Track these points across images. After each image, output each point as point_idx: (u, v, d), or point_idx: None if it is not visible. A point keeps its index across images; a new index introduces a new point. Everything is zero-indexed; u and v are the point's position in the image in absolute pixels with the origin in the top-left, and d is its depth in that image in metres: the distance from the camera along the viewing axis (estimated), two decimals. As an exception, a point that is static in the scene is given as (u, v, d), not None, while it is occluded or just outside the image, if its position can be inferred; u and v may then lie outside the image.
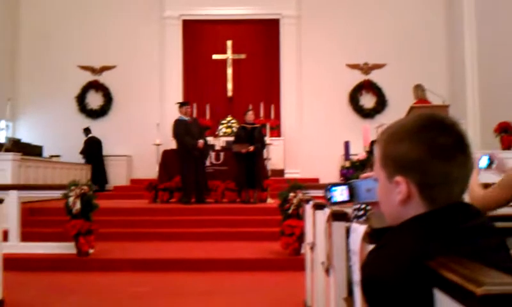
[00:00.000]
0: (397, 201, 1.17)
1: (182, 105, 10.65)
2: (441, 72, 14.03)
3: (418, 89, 8.84)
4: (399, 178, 1.16)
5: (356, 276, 1.85)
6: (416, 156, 1.13)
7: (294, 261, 6.71)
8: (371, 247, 1.43)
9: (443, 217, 1.12)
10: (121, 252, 7.40)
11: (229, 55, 14.72)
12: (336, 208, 2.84)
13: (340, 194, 1.42)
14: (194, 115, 12.82)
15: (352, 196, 1.42)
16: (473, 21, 13.06)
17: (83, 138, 14.19)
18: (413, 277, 1.04)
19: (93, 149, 14.12)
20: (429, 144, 1.13)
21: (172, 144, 12.45)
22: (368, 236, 1.74)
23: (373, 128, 10.26)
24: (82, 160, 14.17)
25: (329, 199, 1.43)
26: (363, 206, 2.53)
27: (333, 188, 1.43)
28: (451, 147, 1.13)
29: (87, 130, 14.23)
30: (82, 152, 14.05)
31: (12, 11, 14.64)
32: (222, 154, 11.14)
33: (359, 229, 1.84)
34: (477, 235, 1.10)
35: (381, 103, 14.53)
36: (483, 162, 3.00)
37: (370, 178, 1.38)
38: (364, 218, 2.48)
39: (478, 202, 2.64)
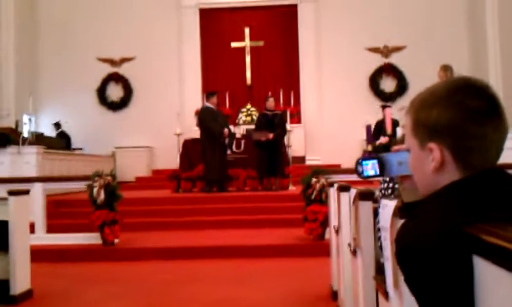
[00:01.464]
0: (430, 169, 1.14)
1: (210, 94, 10.70)
2: (462, 53, 13.78)
3: (447, 70, 8.56)
4: (432, 145, 1.13)
5: (387, 252, 1.82)
6: (450, 120, 1.10)
7: (318, 247, 6.69)
8: (402, 222, 1.40)
9: (479, 183, 1.09)
10: (146, 242, 7.46)
11: (247, 42, 14.67)
12: (362, 187, 2.81)
13: (371, 168, 1.39)
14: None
15: (383, 169, 1.39)
16: (495, 0, 12.80)
17: (54, 132, 14.17)
18: (450, 244, 1.01)
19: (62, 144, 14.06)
20: (462, 108, 1.10)
21: (193, 134, 12.50)
22: (399, 211, 1.71)
23: (395, 111, 10.16)
24: (105, 152, 14.30)
25: (361, 173, 1.40)
26: (390, 184, 2.49)
27: (365, 162, 1.40)
28: (485, 110, 1.10)
29: (57, 125, 14.21)
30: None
31: (31, 5, 14.77)
32: (242, 142, 11.12)
33: (389, 205, 1.81)
34: None
35: (402, 87, 14.36)
36: None
37: (402, 151, 1.35)
38: (393, 196, 2.44)
39: None
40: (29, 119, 13.13)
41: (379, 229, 2.36)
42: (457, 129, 1.10)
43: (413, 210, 1.21)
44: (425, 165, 1.16)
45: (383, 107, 11.28)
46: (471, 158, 1.11)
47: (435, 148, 1.12)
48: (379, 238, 2.37)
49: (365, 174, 1.41)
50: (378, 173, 1.40)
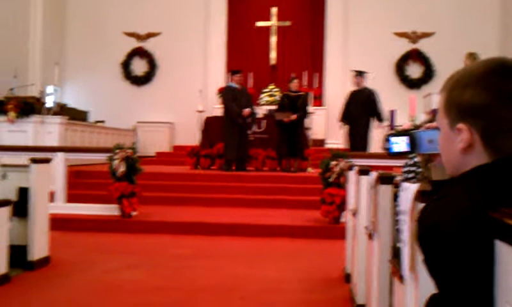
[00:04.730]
0: (458, 149, 1.12)
1: (234, 73, 10.65)
2: (493, 42, 13.46)
3: (472, 57, 8.41)
4: (461, 125, 1.10)
5: (404, 236, 1.79)
6: (481, 102, 1.07)
7: (333, 230, 6.69)
8: (422, 205, 1.38)
9: (507, 168, 1.05)
10: (164, 216, 7.51)
11: (274, 22, 14.52)
12: (392, 160, 2.77)
13: (400, 144, 1.37)
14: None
15: (414, 146, 1.37)
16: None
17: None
18: (474, 227, 0.99)
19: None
20: (495, 90, 1.07)
21: (214, 111, 12.52)
22: (420, 195, 1.68)
23: (420, 99, 10.01)
24: (127, 126, 14.39)
25: (388, 149, 1.38)
26: (413, 168, 2.45)
27: (393, 138, 1.37)
28: None
29: None
30: None
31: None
32: (264, 122, 11.08)
33: (410, 189, 1.78)
34: None
35: (429, 74, 14.13)
36: None
37: (433, 129, 1.32)
38: (415, 180, 2.41)
39: None
40: (54, 90, 13.24)
41: (397, 213, 2.33)
42: (489, 112, 1.07)
43: (441, 188, 1.18)
44: (453, 145, 1.13)
45: (358, 73, 10.54)
46: (500, 142, 1.08)
47: (464, 128, 1.10)
48: (397, 221, 2.33)
49: (393, 150, 1.39)
50: (409, 149, 1.38)
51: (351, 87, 14.15)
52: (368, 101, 10.01)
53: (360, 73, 10.42)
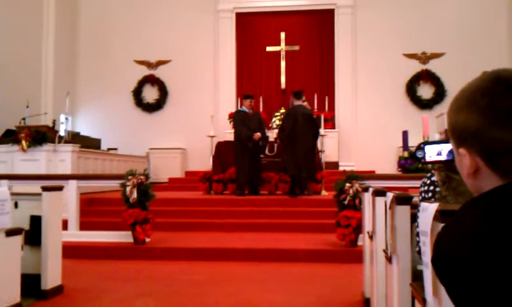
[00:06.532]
0: (466, 174, 1.06)
1: (245, 97, 10.71)
2: (502, 61, 13.42)
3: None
4: (462, 150, 1.05)
5: (426, 258, 1.73)
6: (475, 125, 1.01)
7: (350, 253, 6.59)
8: (442, 225, 1.32)
9: None
10: (177, 242, 7.45)
11: (282, 47, 14.62)
12: (399, 193, 2.70)
13: (437, 152, 1.32)
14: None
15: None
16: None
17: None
18: (495, 249, 0.91)
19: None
20: (487, 110, 1.00)
21: (226, 136, 12.53)
22: (440, 215, 1.62)
23: (433, 119, 9.92)
24: (139, 153, 14.43)
25: (422, 158, 1.34)
26: (431, 187, 2.39)
27: (428, 145, 1.32)
28: None
29: None
30: None
31: (71, 8, 15.05)
32: (276, 146, 11.04)
33: (429, 209, 1.72)
34: None
35: (440, 94, 14.07)
36: None
37: None
38: (433, 199, 2.34)
39: None
40: (66, 119, 13.35)
41: (417, 235, 2.26)
42: (482, 134, 1.00)
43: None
44: (463, 170, 1.08)
45: (294, 94, 10.37)
46: (504, 163, 1.00)
47: (465, 154, 1.04)
48: (418, 243, 2.26)
49: (427, 158, 1.33)
50: (446, 157, 1.32)
51: (362, 108, 14.22)
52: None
53: (294, 94, 10.25)
